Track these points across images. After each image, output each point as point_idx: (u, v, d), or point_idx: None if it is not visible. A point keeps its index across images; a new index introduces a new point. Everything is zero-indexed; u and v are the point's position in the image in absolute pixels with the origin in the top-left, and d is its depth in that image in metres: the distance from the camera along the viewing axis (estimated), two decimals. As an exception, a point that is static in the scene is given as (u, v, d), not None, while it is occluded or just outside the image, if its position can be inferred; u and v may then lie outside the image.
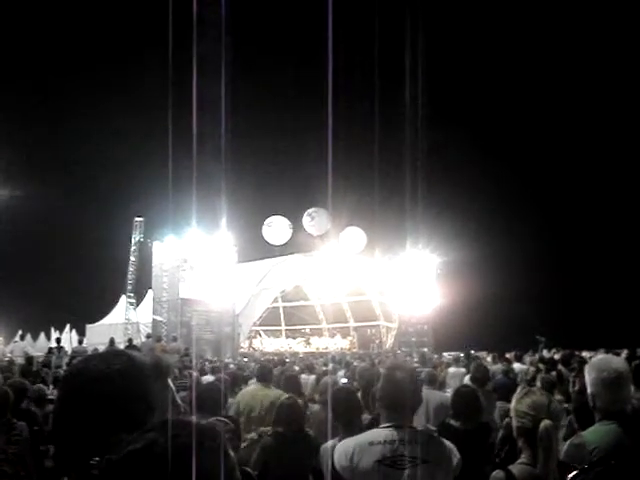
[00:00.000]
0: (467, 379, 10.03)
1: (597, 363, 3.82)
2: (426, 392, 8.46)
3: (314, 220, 34.88)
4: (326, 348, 38.49)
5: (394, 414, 3.87)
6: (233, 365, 19.72)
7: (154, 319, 30.73)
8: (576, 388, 8.10)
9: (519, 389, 7.47)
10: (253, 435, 6.80)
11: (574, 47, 41.59)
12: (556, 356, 17.79)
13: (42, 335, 37.51)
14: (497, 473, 3.63)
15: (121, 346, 23.66)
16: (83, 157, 42.81)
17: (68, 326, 37.46)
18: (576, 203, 43.97)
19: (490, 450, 6.17)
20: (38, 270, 42.39)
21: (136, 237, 37.32)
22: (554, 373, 11.39)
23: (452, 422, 6.53)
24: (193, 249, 30.51)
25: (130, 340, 26.36)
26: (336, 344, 40.63)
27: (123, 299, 37.96)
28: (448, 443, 3.99)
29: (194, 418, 1.45)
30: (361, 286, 40.57)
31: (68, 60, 41.88)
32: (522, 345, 21.23)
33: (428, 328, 37.66)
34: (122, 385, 1.69)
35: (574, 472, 3.16)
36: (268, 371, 8.94)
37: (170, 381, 1.69)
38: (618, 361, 3.90)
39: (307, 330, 42.76)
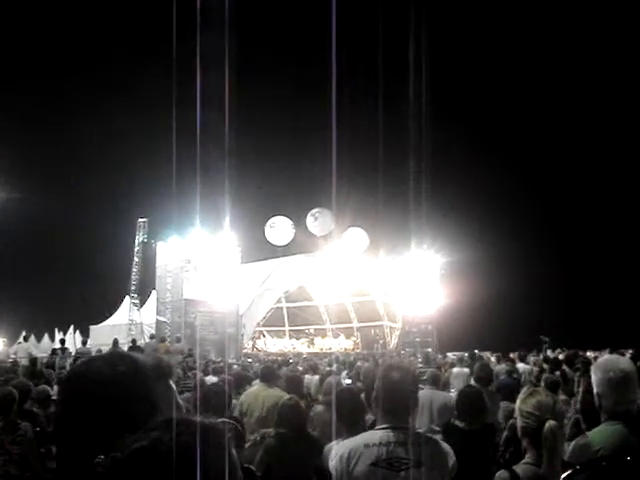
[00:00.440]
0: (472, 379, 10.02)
1: (603, 363, 3.80)
2: (430, 393, 8.47)
3: (317, 220, 34.86)
4: (330, 348, 38.46)
5: (390, 415, 3.85)
6: (237, 366, 19.73)
7: (158, 320, 30.73)
8: (581, 388, 8.09)
9: (524, 389, 7.46)
10: (256, 436, 6.79)
11: (580, 47, 41.56)
12: (560, 356, 17.78)
13: (46, 336, 37.54)
14: (501, 473, 3.62)
15: (125, 347, 23.67)
16: (87, 158, 42.87)
17: (72, 327, 37.55)
18: (580, 203, 43.96)
19: (495, 450, 6.16)
20: (42, 271, 42.47)
21: (140, 238, 37.34)
22: (558, 373, 11.36)
23: (457, 423, 6.52)
24: (197, 250, 30.50)
25: (134, 341, 26.36)
26: (340, 344, 40.60)
27: (127, 300, 37.99)
28: (445, 445, 3.96)
29: (197, 417, 1.44)
30: (365, 286, 40.52)
31: (71, 60, 41.99)
32: (526, 345, 21.24)
33: (432, 328, 37.59)
34: (126, 388, 1.68)
35: (568, 472, 3.15)
36: (271, 372, 8.93)
37: (172, 382, 1.67)
38: (624, 361, 3.88)
39: (311, 330, 42.72)
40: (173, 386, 1.80)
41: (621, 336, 25.77)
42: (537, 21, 42.52)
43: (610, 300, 38.57)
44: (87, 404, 1.65)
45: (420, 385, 5.92)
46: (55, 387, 11.31)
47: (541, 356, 20.49)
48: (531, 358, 17.69)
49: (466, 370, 13.83)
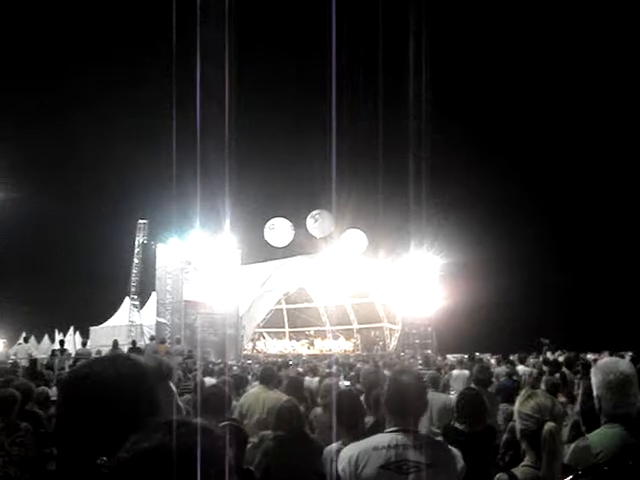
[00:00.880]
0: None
1: (603, 366, 3.80)
2: (430, 395, 8.46)
3: (317, 222, 34.87)
4: (329, 350, 38.44)
5: (399, 419, 3.86)
6: (236, 367, 19.73)
7: (158, 321, 30.72)
8: (580, 391, 8.09)
9: (522, 392, 7.46)
10: (255, 439, 6.79)
11: (581, 48, 41.57)
12: (560, 358, 17.76)
13: (46, 337, 37.53)
14: (501, 476, 3.61)
15: (124, 348, 23.67)
16: (86, 159, 42.88)
17: (72, 328, 37.52)
18: (580, 206, 43.94)
19: (495, 453, 6.16)
20: (42, 272, 42.47)
21: (140, 239, 37.37)
22: (558, 375, 11.36)
23: (457, 425, 6.51)
24: (197, 251, 30.51)
25: (134, 342, 26.36)
26: (339, 346, 40.59)
27: (127, 301, 38.00)
28: (453, 449, 3.97)
29: (198, 419, 1.45)
30: (364, 288, 40.53)
31: (70, 60, 41.96)
32: (526, 347, 21.24)
33: (431, 330, 37.62)
34: (129, 390, 1.69)
35: (569, 477, 3.15)
36: (271, 373, 8.93)
37: (172, 384, 1.68)
38: (624, 364, 3.88)
39: (311, 332, 42.71)
40: (173, 388, 1.81)
41: (621, 338, 25.77)
42: (538, 21, 42.54)
43: (610, 302, 38.55)
44: (90, 406, 1.66)
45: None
46: (54, 388, 11.31)
47: (541, 358, 20.48)
48: (531, 360, 17.67)
49: (466, 372, 13.81)
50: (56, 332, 36.29)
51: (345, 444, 4.28)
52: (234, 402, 8.12)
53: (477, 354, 21.14)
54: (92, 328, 36.48)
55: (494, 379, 11.30)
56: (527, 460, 3.62)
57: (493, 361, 18.96)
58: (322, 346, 40.34)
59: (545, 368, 14.57)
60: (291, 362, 20.76)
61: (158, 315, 30.92)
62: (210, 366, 17.21)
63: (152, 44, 32.03)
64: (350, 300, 42.10)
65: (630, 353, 18.56)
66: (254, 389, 8.96)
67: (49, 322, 37.65)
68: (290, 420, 6.26)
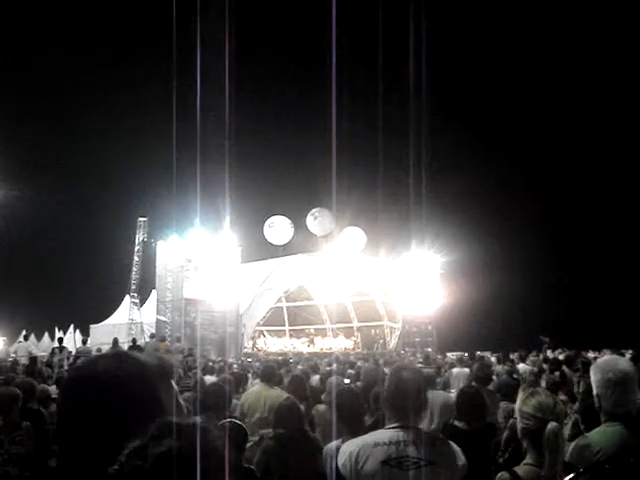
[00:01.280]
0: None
1: (603, 364, 3.80)
2: (430, 393, 8.45)
3: (317, 220, 34.90)
4: (330, 348, 38.45)
5: (400, 415, 3.86)
6: (236, 365, 19.73)
7: (158, 319, 30.74)
8: (581, 389, 8.09)
9: (520, 390, 7.47)
10: (255, 438, 6.80)
11: (583, 48, 41.56)
12: (560, 356, 17.78)
13: (46, 335, 37.58)
14: (502, 474, 3.62)
15: (125, 346, 23.68)
16: (87, 157, 42.87)
17: (72, 326, 37.55)
18: (581, 204, 43.95)
19: (495, 451, 6.16)
20: (42, 270, 42.47)
21: (140, 237, 37.37)
22: (557, 373, 11.37)
23: (457, 423, 6.52)
24: (197, 249, 30.52)
25: (134, 340, 26.38)
26: (340, 344, 40.60)
27: (127, 299, 38.01)
28: (454, 445, 3.97)
29: (198, 419, 1.45)
30: (365, 286, 40.52)
31: (70, 58, 41.92)
32: (526, 345, 21.23)
33: (432, 328, 37.64)
34: (133, 388, 1.68)
35: (570, 475, 3.15)
36: (272, 371, 8.92)
37: (173, 382, 1.68)
38: (624, 362, 3.88)
39: (311, 330, 42.71)
40: (175, 386, 1.81)
41: (621, 336, 25.79)
42: (538, 20, 42.54)
43: (610, 300, 38.56)
44: (95, 405, 1.66)
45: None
46: (54, 386, 11.31)
47: (541, 356, 20.48)
48: (531, 359, 17.68)
49: (466, 370, 13.81)
50: (56, 330, 36.33)
51: (345, 441, 4.28)
52: (234, 400, 8.12)
53: (478, 352, 21.10)
54: (92, 326, 36.49)
55: (494, 377, 11.29)
56: (529, 458, 3.62)
57: (493, 359, 18.93)
58: (322, 344, 40.35)
59: (545, 366, 14.59)
60: (291, 360, 20.76)
61: (158, 313, 30.93)
62: (210, 364, 17.22)
63: (153, 42, 32.05)
64: (350, 298, 42.09)
65: (630, 351, 18.57)
66: (255, 387, 8.96)
67: (49, 320, 37.74)
68: (290, 418, 6.25)
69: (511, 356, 18.37)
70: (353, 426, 5.18)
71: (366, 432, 4.26)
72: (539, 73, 43.84)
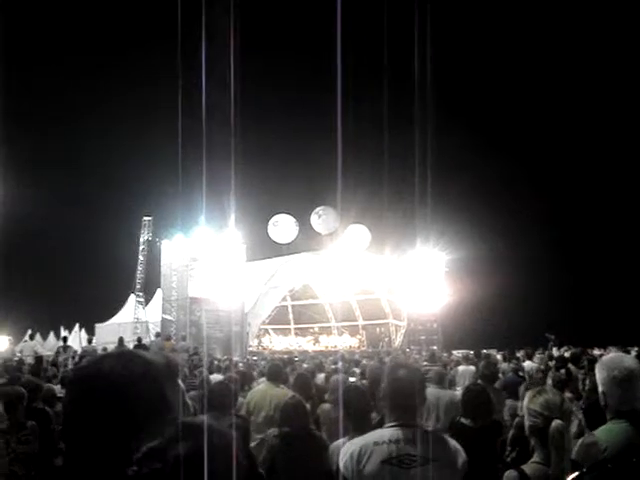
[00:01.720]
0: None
1: (608, 361, 3.79)
2: (436, 391, 8.45)
3: (322, 218, 34.90)
4: (335, 346, 38.47)
5: (399, 413, 3.85)
6: (242, 364, 19.73)
7: (163, 318, 30.78)
8: (587, 387, 8.08)
9: (522, 387, 7.45)
10: (263, 436, 6.80)
11: (585, 48, 41.49)
12: (566, 354, 17.75)
13: (52, 334, 37.62)
14: (510, 472, 3.61)
15: (130, 345, 23.71)
16: (92, 156, 42.94)
17: (77, 325, 37.59)
18: (586, 201, 43.89)
19: (501, 448, 6.16)
20: (47, 270, 42.54)
21: (145, 236, 37.42)
22: (563, 371, 11.35)
23: (463, 420, 6.51)
24: (202, 248, 30.53)
25: (139, 339, 26.40)
26: (345, 342, 40.60)
27: (132, 298, 38.07)
28: (454, 442, 3.96)
29: (205, 418, 1.45)
30: (370, 284, 40.51)
31: (74, 56, 41.98)
32: (532, 343, 21.19)
33: (437, 326, 37.61)
34: (141, 388, 1.68)
35: (574, 474, 3.14)
36: (278, 370, 8.92)
37: (180, 381, 1.67)
38: (629, 359, 3.87)
39: (315, 329, 42.73)
40: (181, 385, 1.80)
41: (627, 334, 25.75)
42: (544, 19, 42.46)
43: (616, 298, 38.51)
44: (101, 404, 1.65)
45: (426, 383, 5.92)
46: (59, 385, 11.33)
47: (546, 354, 20.46)
48: (537, 356, 17.65)
49: (472, 368, 13.81)
50: (62, 329, 36.39)
51: (351, 439, 4.27)
52: (240, 399, 8.12)
53: (483, 350, 21.09)
54: (97, 325, 36.56)
55: (500, 375, 11.28)
56: (536, 457, 3.61)
57: (499, 357, 18.93)
58: (327, 342, 40.37)
59: (551, 364, 14.58)
60: (297, 358, 20.77)
61: (163, 312, 30.97)
62: (216, 363, 17.23)
63: (158, 40, 32.06)
64: (355, 296, 42.09)
65: (636, 348, 18.56)
66: (261, 386, 8.95)
67: (55, 319, 37.79)
68: (295, 417, 6.25)
69: (517, 354, 18.35)
70: (360, 424, 5.18)
71: (373, 430, 4.25)
72: (545, 73, 43.81)
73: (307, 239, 35.47)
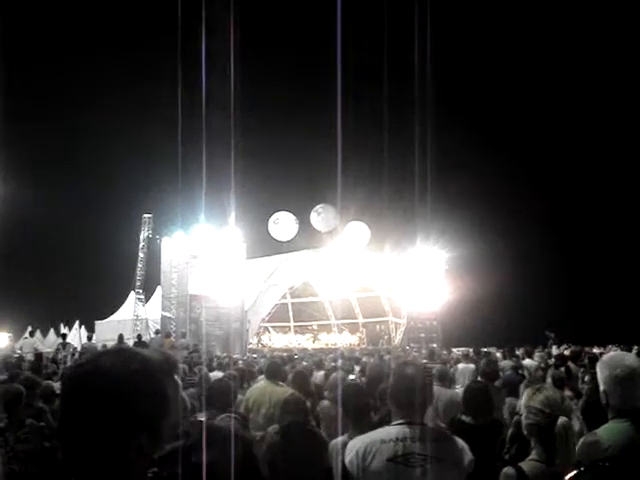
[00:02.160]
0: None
1: (609, 360, 3.78)
2: (437, 389, 8.46)
3: (321, 216, 34.89)
4: (335, 344, 38.46)
5: (405, 411, 3.84)
6: (241, 361, 19.73)
7: (163, 315, 30.79)
8: (585, 383, 8.07)
9: (523, 385, 7.45)
10: (262, 433, 6.79)
11: (586, 47, 41.48)
12: (566, 352, 17.75)
13: (51, 331, 37.58)
14: (508, 470, 3.60)
15: (130, 342, 23.71)
16: (91, 153, 42.90)
17: (77, 322, 37.57)
18: (586, 199, 43.89)
19: (501, 446, 6.15)
20: (47, 267, 42.51)
21: (145, 233, 37.33)
22: (563, 369, 11.34)
23: (463, 418, 6.51)
24: (202, 245, 30.53)
25: (139, 336, 26.41)
26: (345, 340, 40.60)
27: (132, 295, 38.02)
28: (460, 441, 3.96)
29: (203, 415, 1.45)
30: (370, 282, 40.51)
31: (72, 53, 41.93)
32: (531, 341, 21.21)
33: (437, 324, 37.61)
34: (140, 385, 1.67)
35: (572, 473, 3.14)
36: (277, 368, 8.92)
37: (177, 377, 1.67)
38: (631, 358, 3.86)
39: (314, 327, 42.73)
40: (179, 382, 1.80)
41: (627, 332, 25.76)
42: (544, 18, 42.44)
43: (616, 296, 38.52)
44: (100, 402, 1.64)
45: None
46: (58, 382, 11.31)
47: (546, 352, 20.46)
48: (537, 354, 17.65)
49: (471, 366, 13.81)
50: (62, 326, 36.36)
51: (351, 437, 4.27)
52: (239, 396, 8.12)
53: (483, 348, 21.11)
54: (97, 322, 36.53)
55: (500, 373, 11.28)
56: (534, 454, 3.61)
57: (499, 355, 18.92)
58: (327, 340, 40.36)
59: (551, 362, 14.57)
60: (297, 356, 20.76)
61: (163, 309, 30.98)
62: (215, 360, 17.22)
63: (158, 37, 32.05)
64: (355, 294, 42.09)
65: (637, 347, 18.56)
66: (260, 383, 8.96)
67: (55, 316, 37.75)
68: (296, 413, 6.25)
69: (517, 352, 18.34)
70: (359, 421, 5.18)
71: (372, 428, 4.25)
72: (547, 73, 43.79)
73: (307, 237, 35.49)
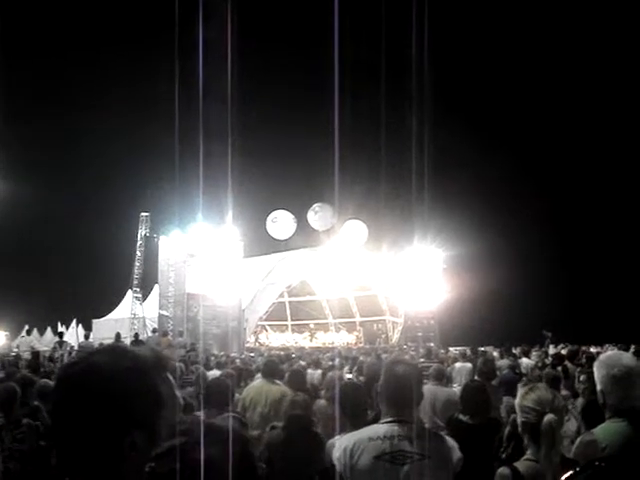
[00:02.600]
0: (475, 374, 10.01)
1: (607, 360, 3.78)
2: (434, 388, 8.46)
3: (318, 215, 34.87)
4: (332, 343, 38.48)
5: (395, 409, 3.83)
6: (239, 360, 19.74)
7: (160, 314, 30.75)
8: (580, 382, 8.07)
9: (519, 385, 7.47)
10: (259, 432, 6.79)
11: (587, 47, 41.51)
12: (563, 351, 17.77)
13: (49, 330, 37.55)
14: (503, 470, 3.60)
15: (127, 341, 23.70)
16: (88, 152, 42.86)
17: (74, 321, 37.54)
18: (583, 198, 43.92)
19: (498, 445, 6.16)
20: (45, 265, 42.50)
21: (142, 232, 37.30)
22: (560, 368, 11.35)
23: (461, 417, 6.51)
24: (199, 244, 30.51)
25: (136, 335, 26.40)
26: (342, 339, 40.62)
27: (129, 294, 37.99)
28: (449, 439, 3.95)
29: (201, 414, 1.45)
30: (367, 281, 40.54)
31: (70, 51, 41.88)
32: (529, 340, 21.24)
33: (434, 323, 37.64)
34: (131, 383, 1.66)
35: (567, 474, 3.13)
36: (274, 366, 8.92)
37: (170, 375, 1.67)
38: (628, 357, 3.85)
39: (313, 325, 42.74)
40: (171, 379, 1.79)
41: (624, 331, 25.78)
42: (543, 14, 42.45)
43: (613, 296, 38.56)
44: (93, 401, 1.63)
45: (424, 380, 5.92)
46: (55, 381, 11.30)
47: (543, 351, 20.48)
48: (534, 353, 17.67)
49: (468, 365, 13.83)
50: (59, 325, 36.33)
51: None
52: (237, 395, 8.12)
53: (480, 348, 21.12)
54: (95, 321, 36.53)
55: (497, 372, 11.29)
56: (529, 454, 3.60)
57: (496, 354, 18.94)
58: (325, 339, 40.38)
59: (547, 361, 14.59)
60: (294, 355, 20.77)
61: (160, 308, 30.95)
62: (213, 358, 17.22)
63: (155, 36, 32.01)
64: (353, 293, 42.12)
65: (633, 346, 18.57)
66: (256, 382, 8.96)
67: (52, 315, 37.72)
68: (300, 414, 6.26)
69: (514, 351, 18.37)
70: (356, 420, 5.16)
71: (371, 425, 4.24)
72: (545, 70, 43.80)
73: (304, 236, 35.47)
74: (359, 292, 41.80)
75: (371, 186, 30.29)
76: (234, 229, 31.17)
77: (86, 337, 25.72)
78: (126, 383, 1.66)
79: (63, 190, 41.92)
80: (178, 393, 1.79)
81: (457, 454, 3.84)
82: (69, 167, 43.32)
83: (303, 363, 15.31)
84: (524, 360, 15.67)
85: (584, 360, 12.59)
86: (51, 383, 10.00)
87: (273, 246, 35.67)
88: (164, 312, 30.64)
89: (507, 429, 6.45)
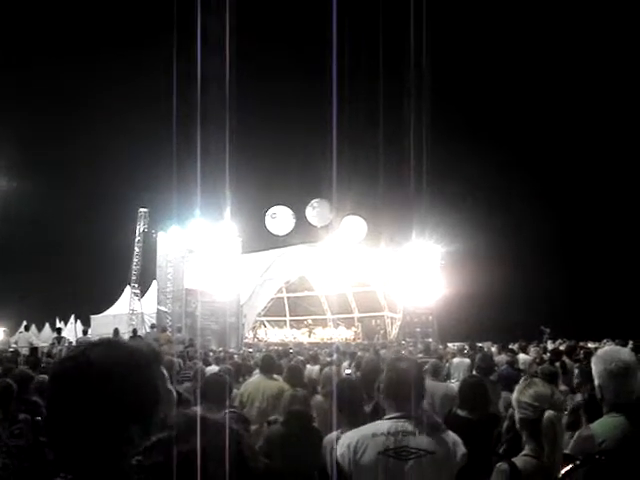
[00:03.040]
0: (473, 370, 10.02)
1: (604, 355, 3.78)
2: (431, 383, 8.45)
3: (316, 211, 34.85)
4: (330, 339, 38.47)
5: (398, 405, 3.84)
6: (237, 355, 19.75)
7: (158, 310, 30.74)
8: (575, 377, 8.08)
9: (521, 380, 7.46)
10: (257, 427, 6.79)
11: (585, 47, 41.49)
12: (561, 347, 17.78)
13: (47, 326, 37.56)
14: (501, 465, 3.59)
15: (125, 337, 23.68)
16: (87, 148, 42.82)
17: (73, 317, 37.56)
18: (581, 194, 43.93)
19: (497, 440, 6.15)
20: (42, 261, 42.46)
21: (140, 228, 37.26)
22: (558, 364, 11.35)
23: (459, 412, 6.51)
24: (197, 239, 30.49)
25: (135, 331, 26.39)
26: (340, 334, 40.63)
27: (127, 290, 37.97)
28: (453, 435, 3.95)
29: (198, 409, 1.44)
30: (366, 277, 40.50)
31: (69, 49, 41.86)
32: (527, 336, 21.23)
33: (432, 319, 37.66)
34: (130, 377, 1.66)
35: (567, 467, 3.13)
36: (272, 362, 8.92)
37: (164, 369, 1.67)
38: (625, 352, 3.86)
39: (310, 321, 42.74)
40: (165, 373, 1.79)
41: (622, 327, 25.77)
42: (541, 15, 42.42)
43: (611, 291, 38.57)
44: (89, 395, 1.63)
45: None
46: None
47: (541, 347, 20.49)
48: (532, 349, 17.67)
49: (466, 360, 13.82)
50: (57, 321, 36.33)
51: (344, 432, 4.26)
52: (234, 390, 8.12)
53: (478, 343, 21.11)
54: (93, 317, 36.50)
55: (495, 367, 11.29)
56: (527, 449, 3.60)
57: (494, 349, 18.93)
58: (323, 335, 40.40)
59: (546, 357, 14.59)
60: (292, 350, 20.78)
61: (159, 303, 30.93)
62: (211, 354, 17.23)
63: (153, 33, 31.97)
64: (351, 289, 42.09)
65: (631, 342, 18.56)
66: (254, 377, 8.96)
67: (50, 311, 37.74)
68: (300, 410, 6.26)
69: (512, 346, 18.36)
70: (352, 416, 5.16)
71: (366, 422, 4.24)
72: (543, 68, 43.77)
73: (303, 231, 35.46)
74: (357, 288, 41.76)
75: (370, 182, 30.27)
76: (232, 225, 31.17)
77: (84, 333, 25.67)
78: (122, 377, 1.65)
79: (61, 186, 41.92)
80: (172, 387, 1.79)
81: (462, 450, 3.85)
82: (67, 163, 43.28)
83: (301, 358, 15.33)
84: (522, 356, 15.67)
85: (582, 356, 12.59)
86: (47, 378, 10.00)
87: (271, 242, 35.67)
88: (162, 308, 30.63)
89: (506, 423, 6.46)
